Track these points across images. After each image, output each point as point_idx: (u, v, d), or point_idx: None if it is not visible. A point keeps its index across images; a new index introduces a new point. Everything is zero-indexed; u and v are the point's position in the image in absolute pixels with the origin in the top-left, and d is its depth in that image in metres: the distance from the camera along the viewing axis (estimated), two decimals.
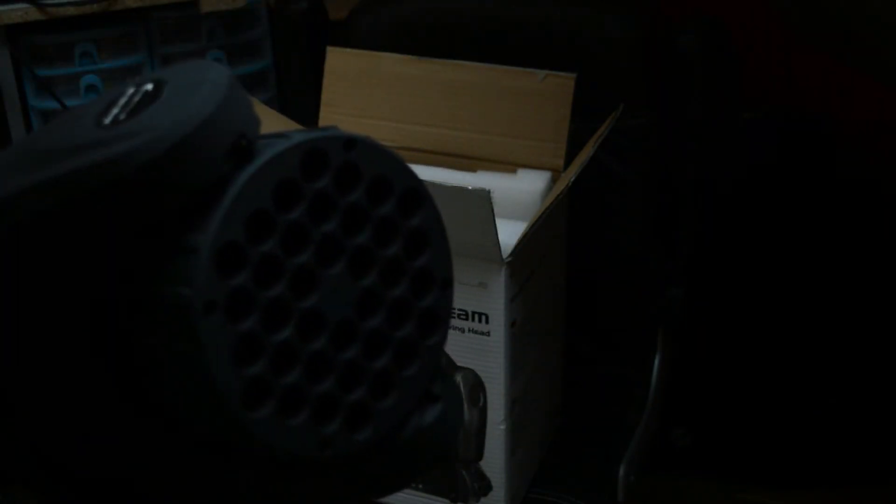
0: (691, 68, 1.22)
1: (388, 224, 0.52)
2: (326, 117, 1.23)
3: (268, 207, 0.44)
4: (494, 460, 1.05)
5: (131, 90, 0.49)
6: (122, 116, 0.47)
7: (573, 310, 1.21)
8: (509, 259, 0.95)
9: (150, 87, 0.49)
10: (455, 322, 1.00)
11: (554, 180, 1.13)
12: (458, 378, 1.04)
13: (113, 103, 0.49)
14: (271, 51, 1.69)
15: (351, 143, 0.47)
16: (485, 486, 1.07)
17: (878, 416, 1.66)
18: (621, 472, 1.19)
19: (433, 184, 0.95)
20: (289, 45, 1.40)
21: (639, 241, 1.29)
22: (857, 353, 1.65)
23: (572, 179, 0.99)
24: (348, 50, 1.21)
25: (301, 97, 1.35)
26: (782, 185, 1.60)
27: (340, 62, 1.21)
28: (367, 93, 1.21)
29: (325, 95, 1.22)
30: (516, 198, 1.08)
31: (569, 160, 1.12)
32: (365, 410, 0.53)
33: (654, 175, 1.26)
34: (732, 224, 1.56)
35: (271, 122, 1.23)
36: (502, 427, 1.03)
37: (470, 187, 0.88)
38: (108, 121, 0.48)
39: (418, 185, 0.52)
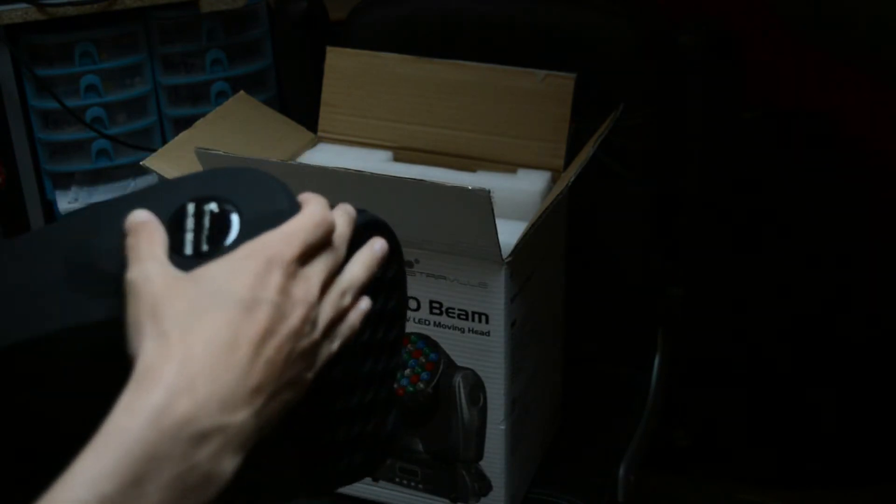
0: (691, 68, 1.22)
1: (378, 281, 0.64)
2: (326, 117, 1.23)
3: None
4: (494, 460, 1.05)
5: (191, 207, 0.57)
6: (206, 248, 0.56)
7: (573, 310, 1.21)
8: (509, 259, 0.95)
9: (214, 207, 0.57)
10: (455, 322, 1.00)
11: (554, 180, 1.13)
12: (458, 378, 1.04)
13: (179, 226, 0.56)
14: (271, 51, 1.69)
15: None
16: (485, 486, 1.07)
17: (878, 416, 1.66)
18: (621, 472, 1.19)
19: (433, 184, 0.96)
20: (289, 45, 1.40)
21: (639, 240, 1.29)
22: (857, 353, 1.65)
23: (572, 179, 0.99)
24: (348, 50, 1.21)
25: (301, 97, 1.35)
26: (782, 185, 1.60)
27: (340, 62, 1.21)
28: (367, 93, 1.21)
29: (325, 95, 1.22)
30: (516, 198, 1.08)
31: (569, 160, 1.12)
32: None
33: (654, 175, 1.26)
34: (732, 224, 1.56)
35: (271, 122, 1.23)
36: (502, 427, 1.03)
37: (470, 187, 0.88)
38: (189, 251, 0.56)
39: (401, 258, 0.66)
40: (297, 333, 0.56)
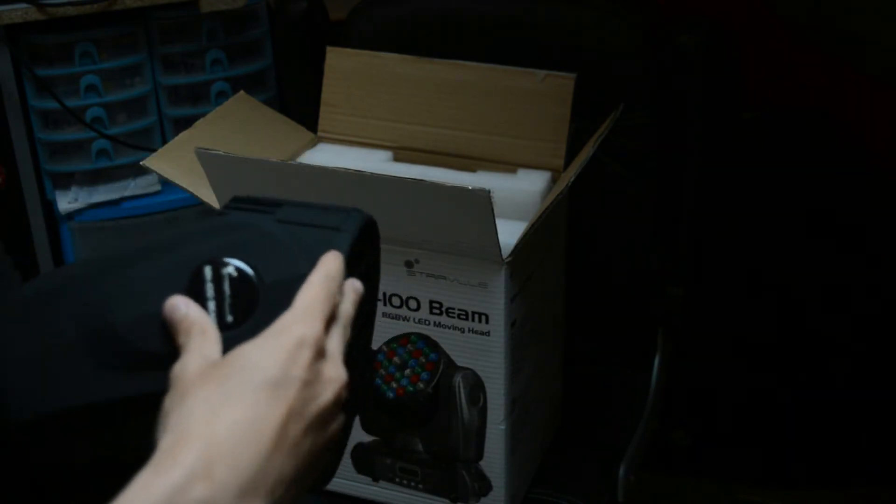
0: (691, 68, 1.22)
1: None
2: (326, 117, 1.23)
3: None
4: (494, 460, 1.05)
5: (209, 271, 0.57)
6: (231, 319, 0.56)
7: (573, 310, 1.21)
8: (509, 259, 0.95)
9: (232, 271, 0.57)
10: (455, 322, 1.00)
11: (554, 180, 1.13)
12: (458, 378, 1.04)
13: (199, 293, 0.57)
14: (271, 51, 1.69)
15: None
16: (485, 486, 1.07)
17: (877, 416, 1.66)
18: (621, 472, 1.19)
19: (433, 184, 0.96)
20: (289, 45, 1.40)
21: (639, 240, 1.29)
22: (857, 353, 1.65)
23: (572, 179, 0.99)
24: (348, 50, 1.21)
25: (301, 97, 1.35)
26: (782, 185, 1.60)
27: (340, 62, 1.21)
28: (367, 93, 1.21)
29: (325, 95, 1.22)
30: (516, 198, 1.08)
31: (569, 160, 1.12)
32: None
33: (654, 175, 1.26)
34: (732, 224, 1.56)
35: (271, 122, 1.23)
36: (502, 427, 1.03)
37: (470, 187, 0.88)
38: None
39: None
40: (327, 412, 0.55)
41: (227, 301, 0.57)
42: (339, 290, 0.58)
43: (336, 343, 0.57)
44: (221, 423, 0.51)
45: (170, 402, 0.54)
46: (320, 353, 0.55)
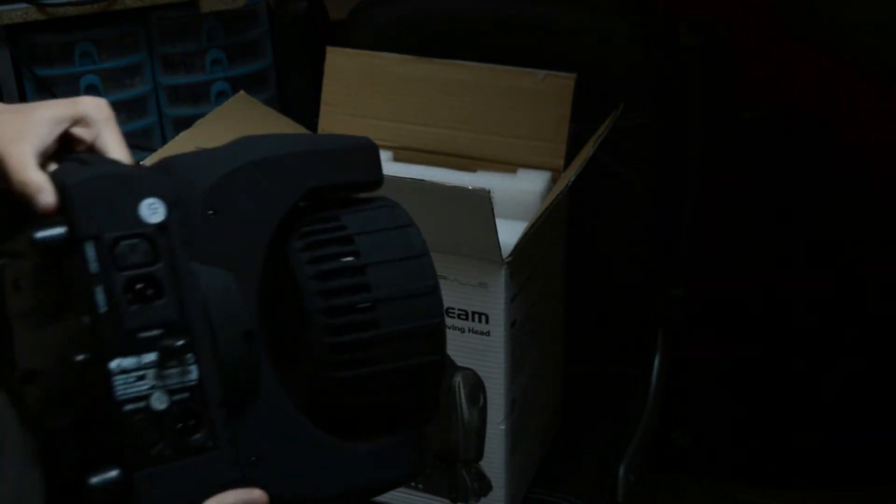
0: (691, 68, 1.22)
1: None
2: (326, 117, 1.23)
3: None
4: (494, 460, 1.05)
5: None
6: None
7: (573, 310, 1.21)
8: (509, 259, 0.95)
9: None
10: (455, 322, 1.00)
11: (554, 180, 1.13)
12: (458, 378, 1.04)
13: None
14: (271, 51, 1.69)
15: None
16: (485, 486, 1.07)
17: (878, 416, 1.66)
18: (621, 472, 1.19)
19: (433, 184, 0.96)
20: (289, 45, 1.40)
21: (639, 240, 1.29)
22: (857, 353, 1.65)
23: (572, 179, 0.99)
24: (348, 50, 1.21)
25: (301, 97, 1.35)
26: (782, 185, 1.60)
27: (340, 62, 1.21)
28: (367, 93, 1.21)
29: (325, 95, 1.22)
30: (516, 198, 1.08)
31: (569, 160, 1.12)
32: None
33: (654, 175, 1.26)
34: (733, 224, 1.56)
35: (272, 122, 1.23)
36: (502, 427, 1.03)
37: (470, 187, 0.88)
38: None
39: None
40: None
41: None
42: None
43: None
44: None
45: None
46: None
